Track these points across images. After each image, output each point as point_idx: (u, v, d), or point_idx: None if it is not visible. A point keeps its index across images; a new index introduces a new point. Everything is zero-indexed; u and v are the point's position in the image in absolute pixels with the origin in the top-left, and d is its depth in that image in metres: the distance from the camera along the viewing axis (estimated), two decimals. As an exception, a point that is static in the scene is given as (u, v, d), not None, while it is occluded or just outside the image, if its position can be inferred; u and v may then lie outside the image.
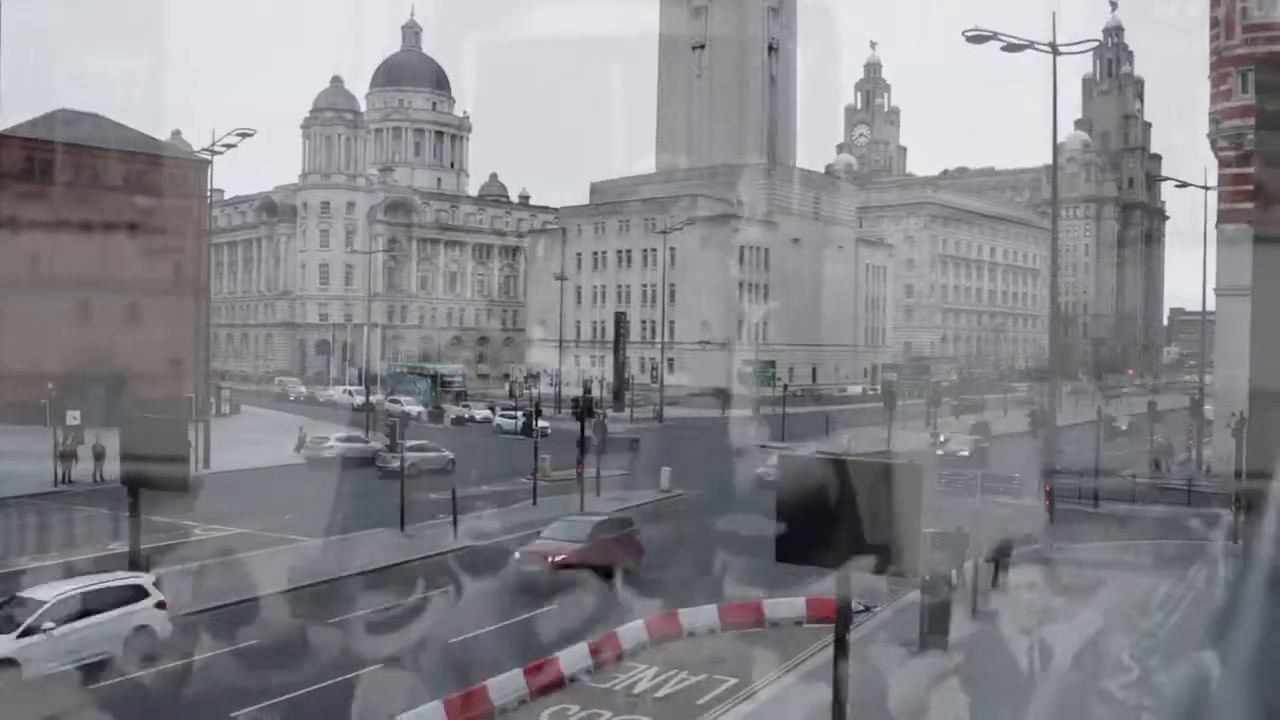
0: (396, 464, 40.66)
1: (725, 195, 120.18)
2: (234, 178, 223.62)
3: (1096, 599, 27.08)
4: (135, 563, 26.89)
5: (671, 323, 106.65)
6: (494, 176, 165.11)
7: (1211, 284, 52.95)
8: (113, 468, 33.60)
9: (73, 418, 45.26)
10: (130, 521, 27.17)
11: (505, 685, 19.24)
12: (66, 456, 43.80)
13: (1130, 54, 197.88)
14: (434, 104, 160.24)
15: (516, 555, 29.17)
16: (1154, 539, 36.13)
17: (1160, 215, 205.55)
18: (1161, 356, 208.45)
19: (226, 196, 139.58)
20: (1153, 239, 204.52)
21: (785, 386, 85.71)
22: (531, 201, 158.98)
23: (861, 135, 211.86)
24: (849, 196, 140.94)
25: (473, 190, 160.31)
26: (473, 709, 18.40)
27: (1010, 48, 32.61)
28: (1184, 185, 56.80)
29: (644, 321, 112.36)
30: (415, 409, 76.22)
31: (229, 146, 48.26)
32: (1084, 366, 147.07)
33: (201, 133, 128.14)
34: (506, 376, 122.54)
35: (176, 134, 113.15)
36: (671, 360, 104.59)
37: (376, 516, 36.89)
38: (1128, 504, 43.92)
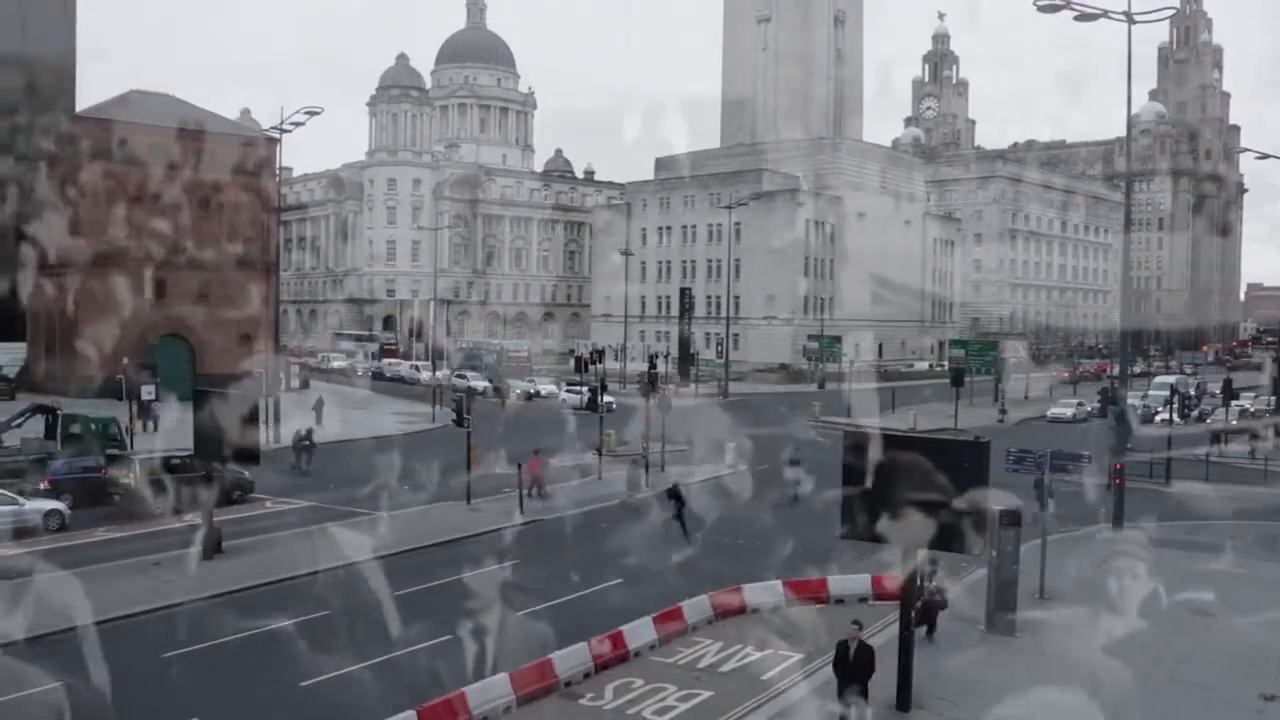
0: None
1: (791, 170, 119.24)
2: (302, 155, 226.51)
3: (1161, 579, 26.65)
4: (209, 532, 27.53)
5: (736, 298, 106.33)
6: (559, 152, 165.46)
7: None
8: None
9: (147, 392, 46.17)
10: (204, 493, 27.83)
11: (570, 658, 19.40)
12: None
13: (1209, 21, 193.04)
14: (499, 80, 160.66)
15: None
16: (1225, 519, 35.44)
17: (1238, 188, 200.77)
18: (1238, 332, 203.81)
19: (295, 174, 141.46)
20: (1230, 212, 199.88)
21: (851, 362, 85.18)
22: (596, 177, 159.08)
23: (929, 108, 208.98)
24: (916, 170, 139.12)
25: (538, 166, 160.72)
26: (539, 680, 18.58)
27: (1083, 17, 31.83)
28: (1264, 157, 55.41)
29: (709, 297, 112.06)
30: (482, 384, 76.79)
31: (297, 124, 48.81)
32: (1156, 343, 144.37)
33: (270, 111, 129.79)
34: (571, 352, 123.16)
35: (245, 113, 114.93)
36: (736, 335, 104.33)
37: (441, 491, 37.07)
38: (1200, 483, 43.16)
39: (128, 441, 39.86)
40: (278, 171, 69.02)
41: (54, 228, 66.89)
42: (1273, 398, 62.59)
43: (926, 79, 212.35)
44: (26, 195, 64.94)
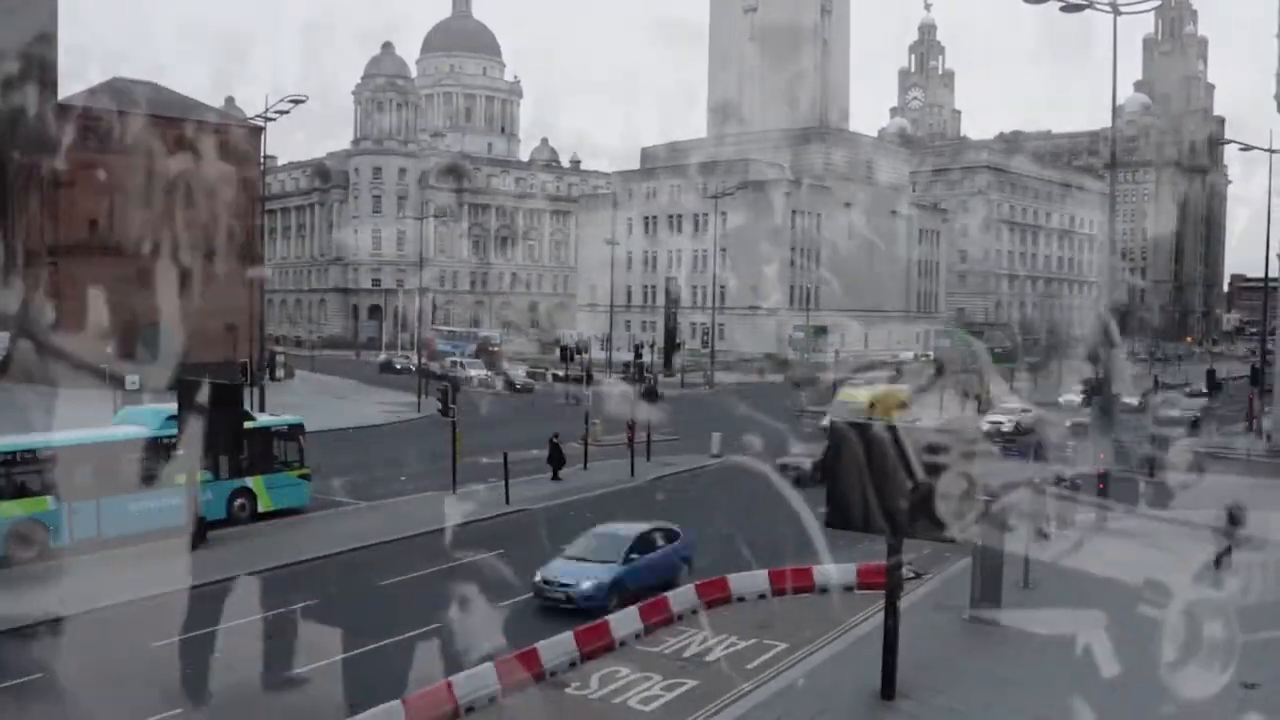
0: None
1: (777, 160, 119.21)
2: (287, 144, 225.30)
3: (1143, 567, 26.76)
4: (194, 521, 27.45)
5: (722, 288, 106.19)
6: (545, 141, 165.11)
7: (1275, 249, 51.98)
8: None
9: (132, 382, 46.02)
10: (189, 483, 27.73)
11: (556, 647, 19.41)
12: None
13: (1194, 13, 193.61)
14: (484, 69, 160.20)
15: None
16: (1206, 508, 35.52)
17: (1223, 179, 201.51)
18: (1222, 324, 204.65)
19: (280, 163, 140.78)
20: (1214, 203, 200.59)
21: (837, 352, 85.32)
22: (583, 166, 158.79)
23: (915, 99, 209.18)
24: (902, 161, 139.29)
25: (524, 155, 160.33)
26: (524, 670, 18.58)
27: (1069, 8, 31.93)
28: (1248, 148, 55.51)
29: (695, 287, 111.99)
30: (480, 372, 76.99)
31: (282, 113, 48.75)
32: (1140, 334, 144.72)
33: (255, 100, 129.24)
34: (558, 341, 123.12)
35: (230, 101, 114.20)
36: (722, 325, 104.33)
37: (427, 480, 37.04)
38: (1184, 473, 43.28)
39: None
40: (262, 160, 68.78)
41: (37, 216, 66.55)
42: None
43: (912, 69, 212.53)
44: (8, 183, 64.55)
